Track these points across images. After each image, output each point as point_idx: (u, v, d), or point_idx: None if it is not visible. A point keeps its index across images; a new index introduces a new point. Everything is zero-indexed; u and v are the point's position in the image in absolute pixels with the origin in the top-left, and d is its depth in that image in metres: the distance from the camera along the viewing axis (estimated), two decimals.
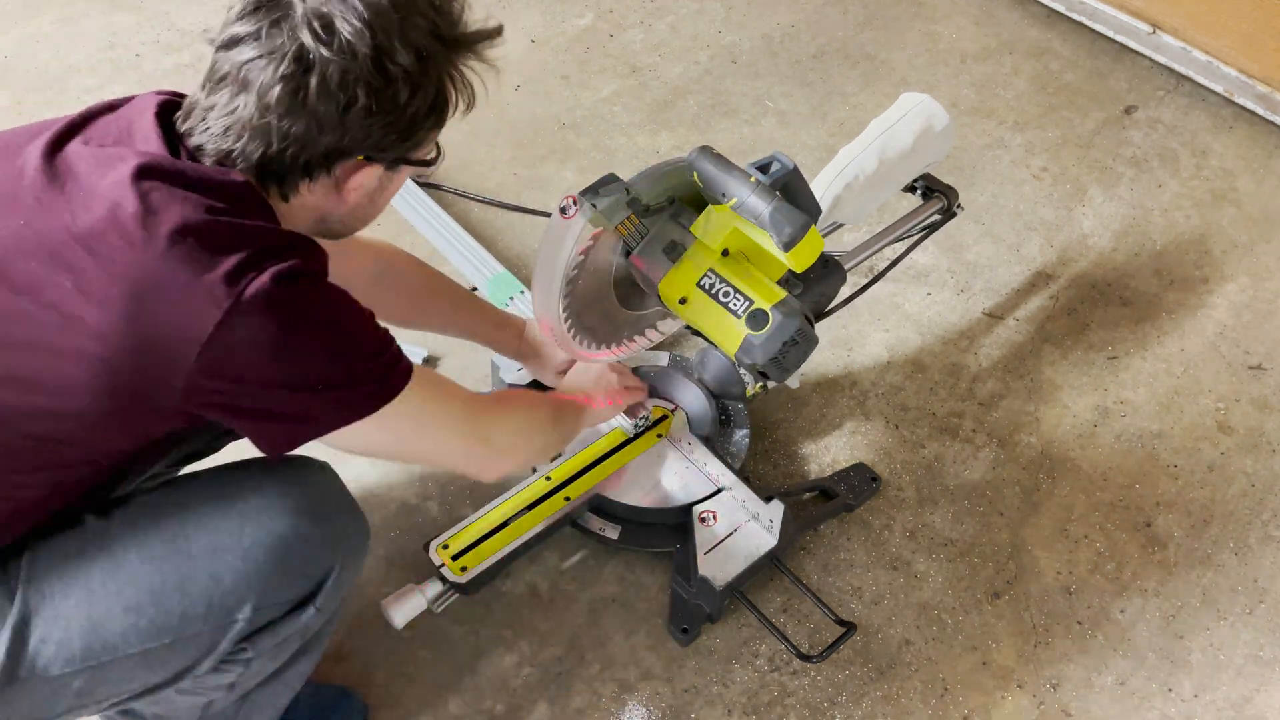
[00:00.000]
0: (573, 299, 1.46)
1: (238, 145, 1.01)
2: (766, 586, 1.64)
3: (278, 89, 0.97)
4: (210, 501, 1.09)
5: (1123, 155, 2.39)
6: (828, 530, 1.72)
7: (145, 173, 0.97)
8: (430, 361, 1.90)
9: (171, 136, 1.03)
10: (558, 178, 2.26)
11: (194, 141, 1.02)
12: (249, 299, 0.95)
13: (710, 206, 1.41)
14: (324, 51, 0.97)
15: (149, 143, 1.01)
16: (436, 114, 1.07)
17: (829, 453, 1.83)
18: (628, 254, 1.46)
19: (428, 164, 1.14)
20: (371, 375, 1.06)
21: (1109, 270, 2.15)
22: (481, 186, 2.21)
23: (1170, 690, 1.58)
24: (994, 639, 1.62)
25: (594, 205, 1.34)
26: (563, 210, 1.35)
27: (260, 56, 0.98)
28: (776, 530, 1.57)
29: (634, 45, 2.58)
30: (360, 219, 1.17)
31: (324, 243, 1.09)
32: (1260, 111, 2.46)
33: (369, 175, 1.08)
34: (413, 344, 1.90)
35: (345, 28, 0.97)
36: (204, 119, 1.01)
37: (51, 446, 1.02)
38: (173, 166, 0.99)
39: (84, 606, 1.03)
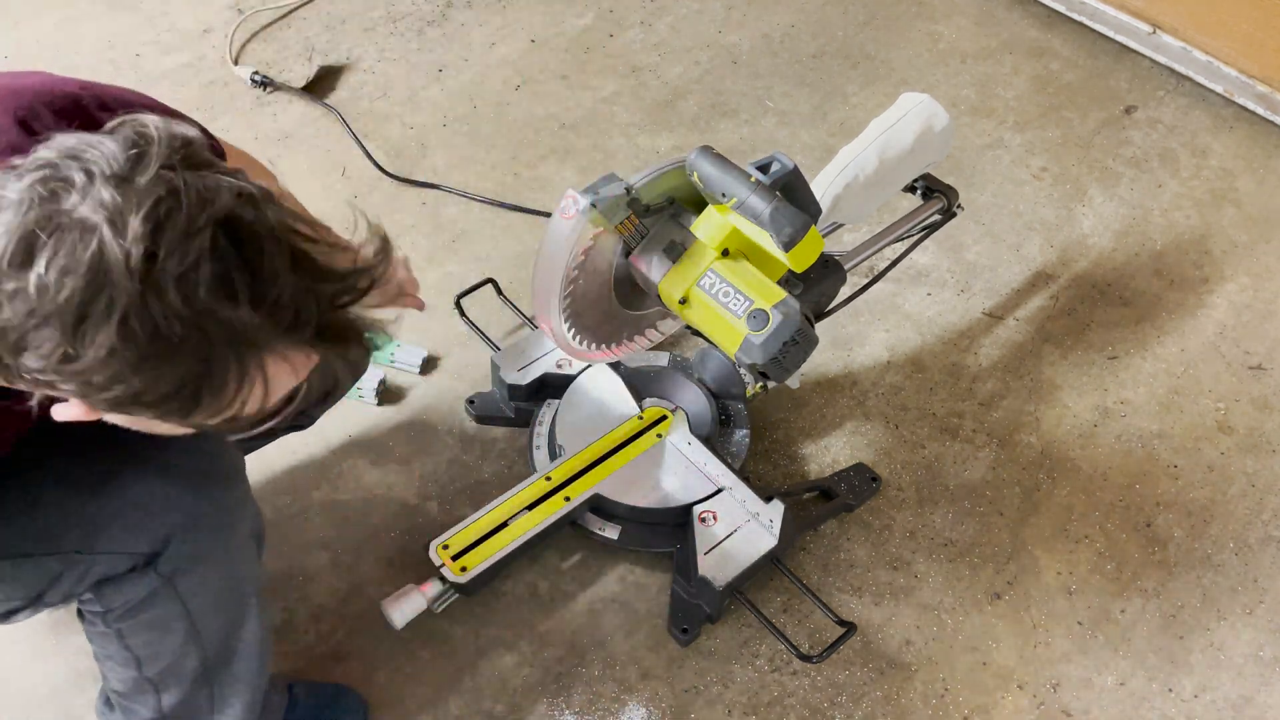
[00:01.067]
0: (573, 299, 1.46)
1: None
2: (766, 586, 1.64)
3: None
4: (120, 442, 0.94)
5: (1123, 155, 2.39)
6: (828, 530, 1.72)
7: None
8: (430, 361, 1.90)
9: None
10: (558, 178, 2.26)
11: None
12: None
13: (710, 206, 1.41)
14: (6, 276, 0.75)
15: None
16: (173, 402, 0.80)
17: (829, 453, 1.83)
18: (628, 254, 1.46)
19: (228, 431, 0.89)
20: None
21: (1109, 270, 2.15)
22: (481, 187, 2.21)
23: (1170, 690, 1.58)
24: (994, 639, 1.62)
25: (594, 205, 1.34)
26: (563, 210, 1.35)
27: None
28: (776, 530, 1.57)
29: (634, 45, 2.58)
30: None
31: None
32: (1260, 111, 2.46)
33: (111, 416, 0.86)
34: (413, 344, 1.90)
35: (44, 267, 0.73)
36: None
37: None
38: None
39: None
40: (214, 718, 1.28)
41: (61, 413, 0.84)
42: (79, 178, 0.75)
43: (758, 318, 1.35)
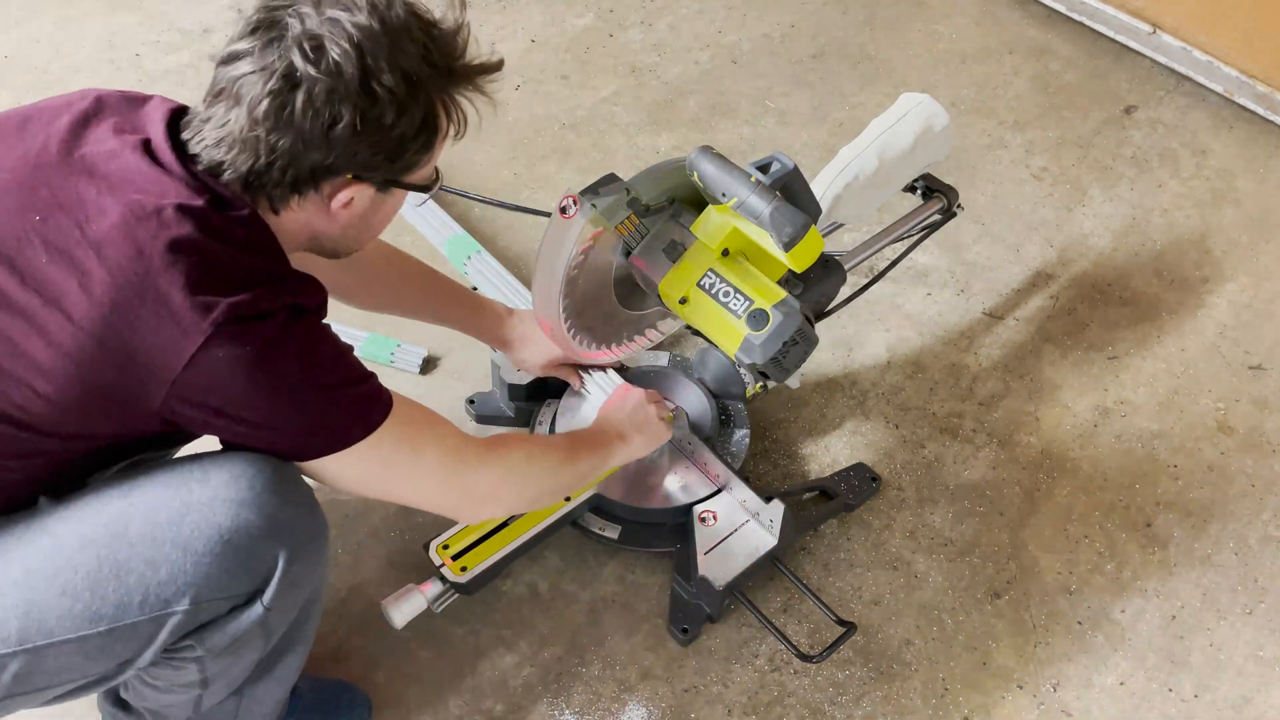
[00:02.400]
0: (573, 299, 1.46)
1: (228, 157, 1.04)
2: (766, 586, 1.64)
3: (265, 103, 1.01)
4: (157, 489, 1.08)
5: (1123, 155, 2.39)
6: (828, 530, 1.72)
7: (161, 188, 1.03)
8: (430, 361, 1.90)
9: (178, 146, 1.07)
10: (558, 178, 2.26)
11: (192, 151, 1.06)
12: (226, 332, 0.99)
13: (710, 206, 1.41)
14: (311, 70, 1.00)
15: (162, 153, 1.06)
16: (425, 137, 1.09)
17: (829, 453, 1.83)
18: (628, 254, 1.46)
19: (423, 189, 1.17)
20: (348, 410, 1.10)
21: (1109, 270, 2.15)
22: (481, 186, 2.21)
23: (1170, 690, 1.58)
24: (994, 639, 1.62)
25: (594, 205, 1.34)
26: (563, 210, 1.35)
27: (253, 72, 1.02)
28: (776, 530, 1.57)
29: (634, 45, 2.58)
30: (354, 239, 1.20)
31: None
32: (1260, 111, 2.46)
33: (360, 195, 1.11)
34: (413, 343, 1.90)
35: (334, 49, 1.01)
36: (200, 130, 1.05)
37: (29, 433, 1.04)
38: (186, 185, 1.04)
39: (20, 587, 1.03)
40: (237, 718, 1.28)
41: (338, 200, 1.09)
42: (290, 14, 1.03)
43: (758, 318, 1.35)
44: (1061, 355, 2.00)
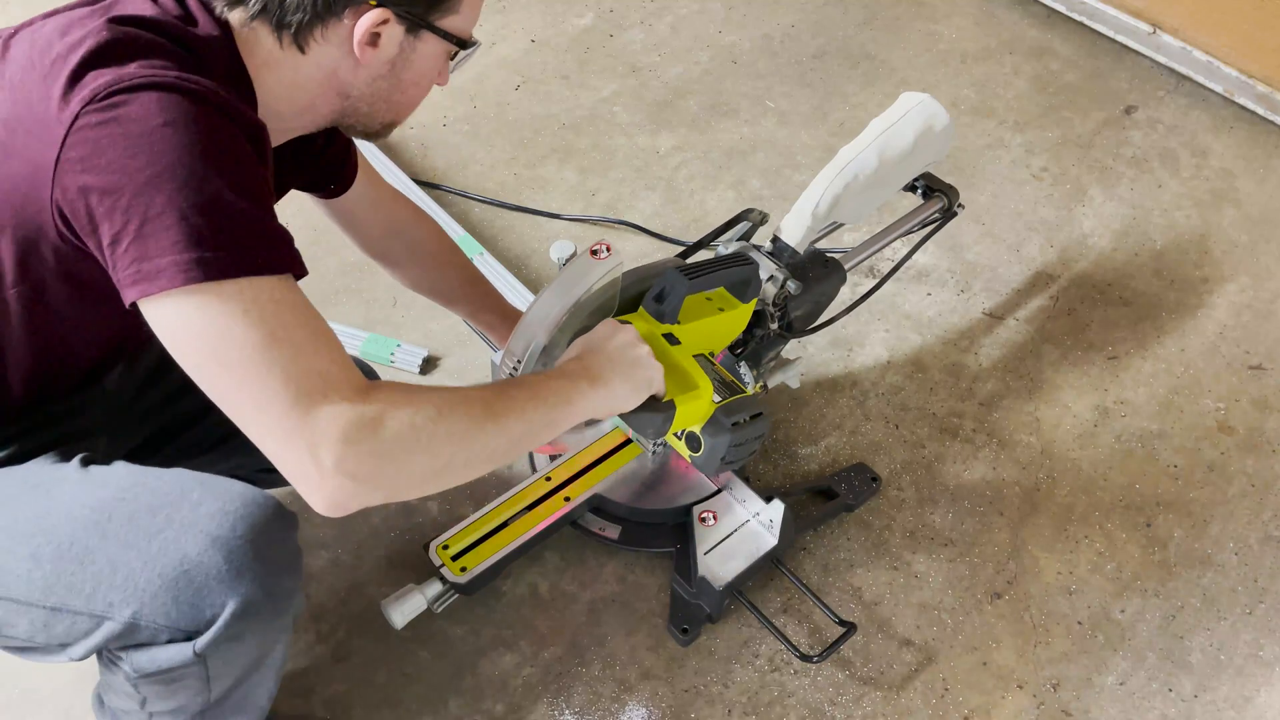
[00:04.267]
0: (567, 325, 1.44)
1: None
2: (766, 586, 1.64)
3: None
4: (152, 494, 1.04)
5: (1123, 155, 2.39)
6: (828, 530, 1.72)
7: (116, 22, 0.94)
8: (430, 361, 1.90)
9: None
10: (558, 178, 2.26)
11: None
12: (103, 102, 0.87)
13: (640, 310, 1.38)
14: None
15: None
16: None
17: (829, 453, 1.83)
18: None
19: (460, 42, 1.07)
20: (235, 231, 0.88)
21: (1109, 270, 2.15)
22: (481, 186, 2.21)
23: (1170, 690, 1.58)
24: (994, 639, 1.62)
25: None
26: (594, 253, 1.29)
27: None
28: (776, 530, 1.57)
29: (634, 45, 2.58)
30: (384, 98, 1.09)
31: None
32: (1260, 111, 2.46)
33: (387, 34, 1.02)
34: (413, 344, 1.90)
35: None
36: None
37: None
38: (142, 19, 0.95)
39: (3, 534, 1.03)
40: None
41: (361, 27, 1.00)
42: None
43: (692, 441, 1.34)
44: (1061, 355, 2.00)
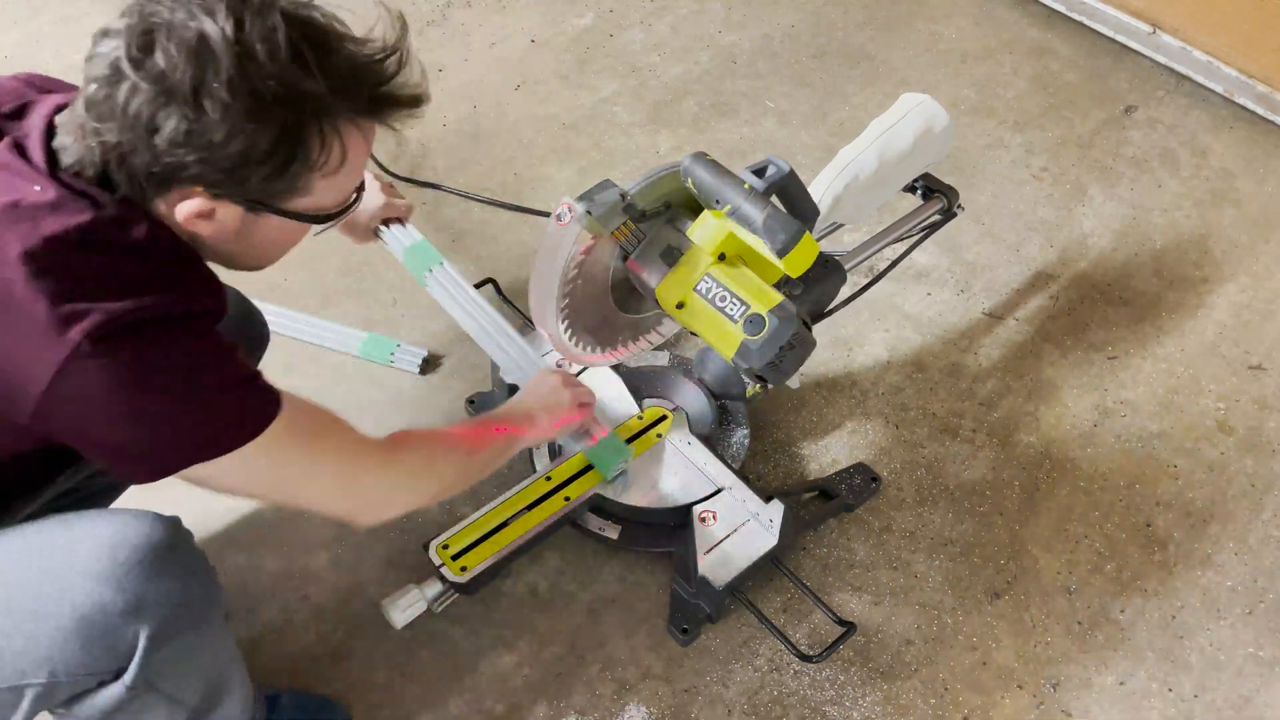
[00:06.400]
0: (570, 303, 1.46)
1: (70, 143, 0.97)
2: (766, 586, 1.64)
3: (91, 89, 0.94)
4: (22, 552, 1.03)
5: (1123, 155, 2.39)
6: (828, 530, 1.72)
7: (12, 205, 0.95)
8: (430, 361, 1.90)
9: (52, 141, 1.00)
10: (558, 178, 2.26)
11: (55, 145, 0.99)
12: (94, 346, 0.91)
13: (706, 211, 1.41)
14: (132, 70, 0.92)
15: (33, 151, 0.99)
16: (276, 163, 0.97)
17: (829, 453, 1.83)
18: (625, 259, 1.46)
19: (311, 218, 1.06)
20: (230, 414, 1.01)
21: (1109, 270, 2.15)
22: (481, 186, 2.21)
23: (1170, 690, 1.58)
24: (994, 639, 1.62)
25: (589, 211, 1.34)
26: (558, 216, 1.35)
27: (95, 56, 0.95)
28: (776, 530, 1.57)
29: (634, 45, 2.58)
30: (241, 255, 1.10)
31: None
32: (1260, 111, 2.46)
33: (223, 211, 1.01)
34: (412, 344, 1.90)
35: (163, 53, 0.92)
36: (66, 116, 0.99)
37: None
38: (56, 183, 0.96)
39: None
40: None
41: (183, 210, 0.99)
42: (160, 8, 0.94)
43: (754, 322, 1.35)
44: (1061, 355, 2.00)
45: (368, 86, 0.99)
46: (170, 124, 0.92)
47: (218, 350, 1.01)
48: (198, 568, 1.08)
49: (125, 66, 0.92)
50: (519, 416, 1.46)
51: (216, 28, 0.91)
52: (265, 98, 0.93)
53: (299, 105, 0.95)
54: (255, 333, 1.53)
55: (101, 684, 1.03)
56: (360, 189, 1.12)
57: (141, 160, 0.95)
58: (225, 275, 1.10)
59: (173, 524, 1.07)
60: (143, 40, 0.92)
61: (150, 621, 1.01)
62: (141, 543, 1.02)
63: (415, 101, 1.03)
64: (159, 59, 0.91)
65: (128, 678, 1.02)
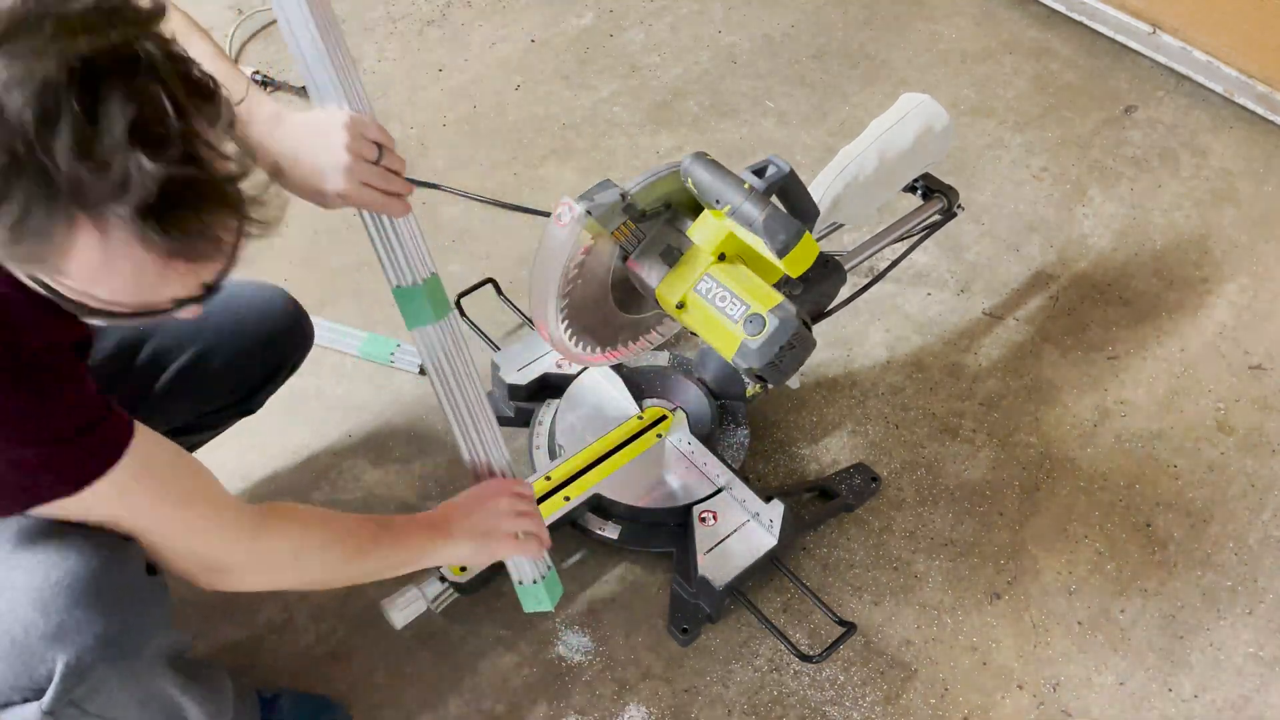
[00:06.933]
0: (570, 303, 1.46)
1: None
2: (766, 586, 1.64)
3: None
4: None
5: (1123, 155, 2.39)
6: (828, 530, 1.72)
7: None
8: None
9: None
10: (558, 178, 2.26)
11: None
12: None
13: (706, 211, 1.41)
14: None
15: None
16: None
17: (829, 453, 1.83)
18: (625, 259, 1.46)
19: (87, 310, 0.86)
20: (57, 463, 0.94)
21: (1109, 270, 2.15)
22: (481, 186, 2.21)
23: (1170, 690, 1.58)
24: (994, 639, 1.62)
25: (589, 211, 1.34)
26: (558, 217, 1.35)
27: None
28: (776, 530, 1.58)
29: (634, 45, 2.58)
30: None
31: None
32: (1260, 111, 2.46)
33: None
34: (412, 344, 1.90)
35: None
36: None
37: None
38: None
39: None
40: None
41: None
42: None
43: (754, 322, 1.35)
44: (1061, 355, 2.00)
45: (148, 190, 0.76)
46: None
47: (52, 388, 0.92)
48: (133, 603, 1.03)
49: None
50: (435, 535, 1.28)
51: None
52: (14, 154, 0.74)
53: (47, 177, 0.75)
54: (293, 331, 1.49)
55: (25, 699, 1.01)
56: (177, 305, 0.89)
57: None
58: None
59: (131, 553, 1.03)
60: None
61: (67, 650, 0.98)
62: (76, 570, 0.99)
63: (211, 243, 0.83)
64: None
65: (45, 702, 0.99)
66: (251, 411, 1.53)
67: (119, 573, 1.02)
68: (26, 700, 1.01)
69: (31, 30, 0.73)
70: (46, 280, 0.83)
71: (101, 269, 0.81)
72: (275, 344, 1.47)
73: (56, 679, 0.99)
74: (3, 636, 0.97)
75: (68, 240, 0.78)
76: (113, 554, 1.02)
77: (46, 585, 0.98)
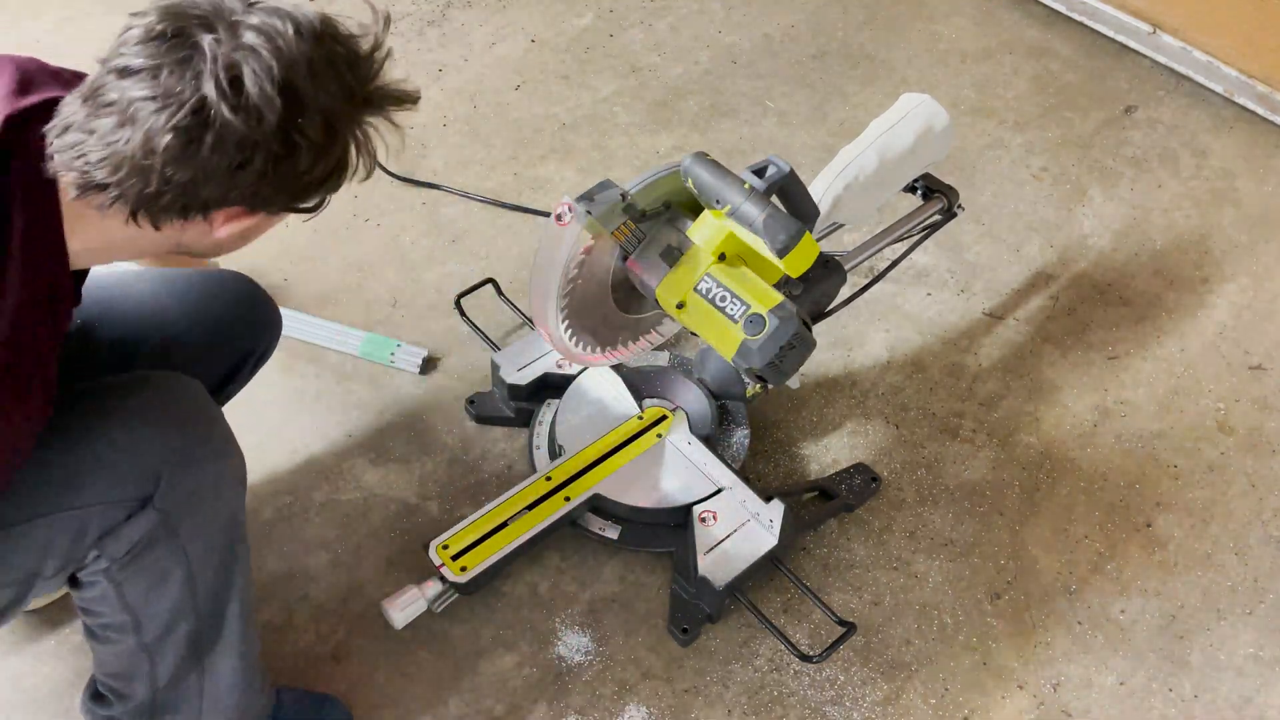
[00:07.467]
0: (571, 303, 1.46)
1: (114, 179, 0.93)
2: (766, 586, 1.64)
3: (169, 138, 0.90)
4: (85, 399, 1.11)
5: (1123, 155, 2.39)
6: (828, 530, 1.72)
7: None
8: (430, 361, 1.90)
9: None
10: (558, 178, 2.26)
11: (56, 157, 0.95)
12: None
13: (706, 210, 1.41)
14: (226, 111, 0.90)
15: None
16: (334, 179, 1.03)
17: (829, 453, 1.83)
18: (624, 259, 1.46)
19: (312, 211, 1.08)
20: None
21: (1109, 270, 2.15)
22: (481, 186, 2.21)
23: (1170, 690, 1.58)
24: (994, 639, 1.62)
25: (589, 211, 1.34)
26: (558, 216, 1.35)
27: (154, 98, 0.90)
28: (776, 530, 1.57)
29: (634, 45, 2.58)
30: (226, 250, 1.13)
31: None
32: (1260, 111, 2.46)
33: (249, 220, 1.04)
34: (412, 344, 1.90)
35: (254, 89, 0.91)
36: (81, 143, 0.93)
37: None
38: None
39: None
40: (202, 701, 1.27)
41: (225, 229, 1.03)
42: (199, 28, 0.93)
43: (755, 322, 1.35)
44: (1061, 355, 2.00)
45: (376, 86, 1.02)
46: (258, 162, 0.94)
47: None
48: (217, 419, 1.19)
49: (215, 110, 0.90)
50: None
51: (292, 52, 0.92)
52: (334, 120, 0.97)
53: (349, 119, 1.00)
54: (257, 317, 1.50)
55: (130, 516, 1.10)
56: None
57: (209, 191, 0.96)
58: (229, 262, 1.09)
59: (200, 389, 1.18)
60: (229, 75, 0.90)
61: (172, 449, 1.11)
62: (168, 396, 1.14)
63: (414, 97, 1.06)
64: (250, 98, 0.91)
65: (157, 500, 1.10)
66: (220, 405, 1.52)
67: (194, 398, 1.17)
68: (131, 516, 1.10)
69: (315, 59, 0.97)
70: (299, 205, 1.05)
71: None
72: (240, 329, 1.46)
73: (165, 479, 1.10)
74: (102, 445, 1.08)
75: (344, 176, 1.06)
76: (182, 383, 1.18)
77: (155, 405, 1.13)
